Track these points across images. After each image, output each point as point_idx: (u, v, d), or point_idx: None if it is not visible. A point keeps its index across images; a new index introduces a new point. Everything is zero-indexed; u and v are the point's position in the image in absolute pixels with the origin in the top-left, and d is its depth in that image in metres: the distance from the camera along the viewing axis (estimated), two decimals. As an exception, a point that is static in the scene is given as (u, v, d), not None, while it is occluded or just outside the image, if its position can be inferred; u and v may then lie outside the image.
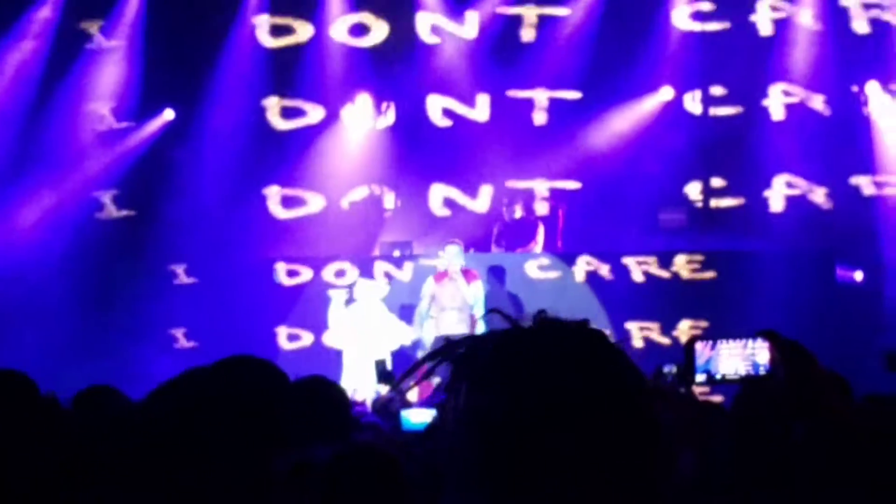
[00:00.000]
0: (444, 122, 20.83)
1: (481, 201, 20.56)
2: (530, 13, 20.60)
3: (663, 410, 2.41)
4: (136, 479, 3.12)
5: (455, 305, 17.48)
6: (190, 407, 3.22)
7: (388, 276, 18.99)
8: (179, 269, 19.77)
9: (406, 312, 18.13)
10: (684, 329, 18.09)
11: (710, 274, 18.41)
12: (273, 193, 20.87)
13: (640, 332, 18.25)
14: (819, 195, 19.56)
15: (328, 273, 19.19)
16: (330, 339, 18.21)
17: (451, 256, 17.61)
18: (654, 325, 18.31)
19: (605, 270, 18.62)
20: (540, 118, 20.61)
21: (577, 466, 2.25)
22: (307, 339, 19.10)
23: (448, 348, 2.41)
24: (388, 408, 11.51)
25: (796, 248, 18.61)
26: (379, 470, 4.74)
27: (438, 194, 20.92)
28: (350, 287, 18.18)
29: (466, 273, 17.62)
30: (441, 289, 17.54)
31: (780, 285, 17.50)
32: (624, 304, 18.24)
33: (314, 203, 20.83)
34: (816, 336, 14.79)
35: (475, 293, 17.53)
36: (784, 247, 18.58)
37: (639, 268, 18.61)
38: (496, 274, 18.54)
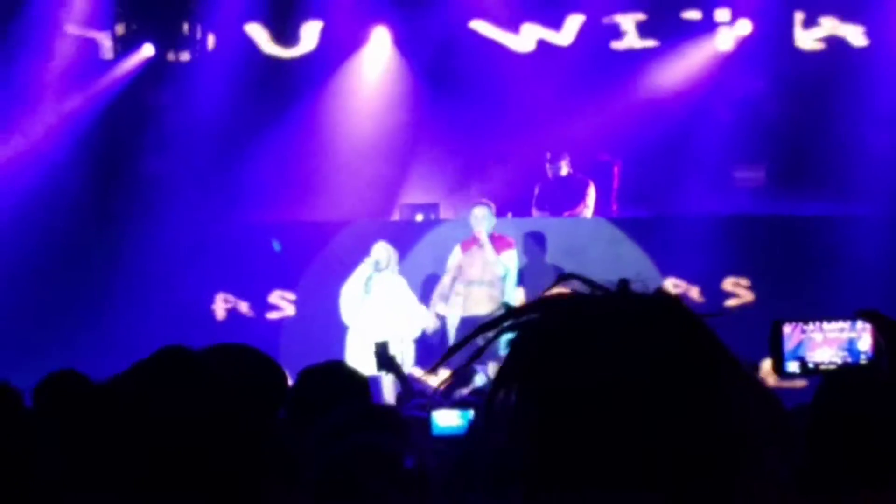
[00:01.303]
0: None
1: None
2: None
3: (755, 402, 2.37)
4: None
5: (485, 279, 17.49)
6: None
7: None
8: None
9: (428, 288, 18.20)
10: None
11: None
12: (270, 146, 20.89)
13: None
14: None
15: (340, 242, 19.17)
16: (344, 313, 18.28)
17: (479, 220, 17.60)
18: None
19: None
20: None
21: (655, 460, 2.22)
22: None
23: (497, 324, 2.36)
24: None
25: (888, 213, 18.58)
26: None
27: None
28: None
29: (499, 240, 17.63)
30: (469, 259, 17.54)
31: (880, 256, 17.47)
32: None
33: (321, 158, 20.83)
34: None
35: (508, 264, 17.56)
36: (880, 209, 18.53)
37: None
38: (537, 242, 18.47)
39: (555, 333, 2.30)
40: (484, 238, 17.46)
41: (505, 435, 2.31)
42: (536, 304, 2.36)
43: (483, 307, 16.85)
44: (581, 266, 17.41)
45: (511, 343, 2.34)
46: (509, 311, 2.36)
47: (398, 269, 18.17)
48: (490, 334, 2.39)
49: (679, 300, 2.36)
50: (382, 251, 18.01)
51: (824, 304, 16.37)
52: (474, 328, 2.43)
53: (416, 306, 18.04)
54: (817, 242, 18.26)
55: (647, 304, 2.33)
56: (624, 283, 2.37)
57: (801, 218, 18.88)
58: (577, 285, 2.41)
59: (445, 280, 17.76)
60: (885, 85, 19.60)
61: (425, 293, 18.36)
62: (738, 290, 18.21)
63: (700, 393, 2.25)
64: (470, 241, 17.67)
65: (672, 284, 18.01)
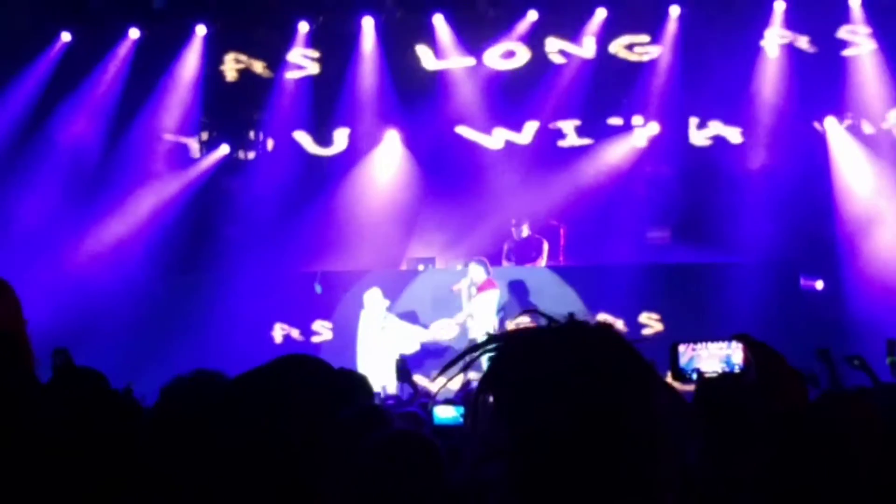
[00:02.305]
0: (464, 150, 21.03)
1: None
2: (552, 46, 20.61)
3: (672, 404, 2.43)
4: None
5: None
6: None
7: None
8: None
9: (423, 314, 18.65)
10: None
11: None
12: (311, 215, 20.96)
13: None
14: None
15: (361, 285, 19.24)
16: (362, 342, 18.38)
17: (472, 272, 17.96)
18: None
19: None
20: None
21: (602, 466, 2.24)
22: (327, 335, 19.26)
23: (486, 342, 2.39)
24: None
25: (765, 260, 18.61)
26: (419, 454, 4.67)
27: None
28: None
29: (487, 283, 17.87)
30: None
31: (754, 294, 17.52)
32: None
33: (349, 225, 20.91)
34: (784, 339, 14.96)
35: (487, 300, 17.77)
36: (755, 258, 18.59)
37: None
38: (512, 285, 18.57)
39: (522, 354, 2.32)
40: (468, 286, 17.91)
41: (486, 425, 2.32)
42: (508, 333, 2.39)
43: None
44: (539, 302, 17.59)
45: (490, 360, 2.37)
46: (490, 337, 2.38)
47: (389, 304, 18.39)
48: (475, 353, 2.41)
49: (612, 328, 2.38)
50: (371, 296, 18.28)
51: (713, 329, 16.44)
52: (466, 349, 2.45)
53: (410, 329, 18.21)
54: (708, 284, 18.28)
55: (590, 331, 2.35)
56: (571, 316, 2.40)
57: (697, 265, 18.96)
58: (533, 318, 2.43)
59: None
60: (754, 171, 19.76)
61: (423, 317, 18.59)
62: (650, 322, 18.22)
63: (638, 393, 2.28)
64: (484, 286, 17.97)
65: (601, 318, 18.02)
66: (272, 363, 3.48)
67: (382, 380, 16.47)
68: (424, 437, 4.79)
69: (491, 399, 2.32)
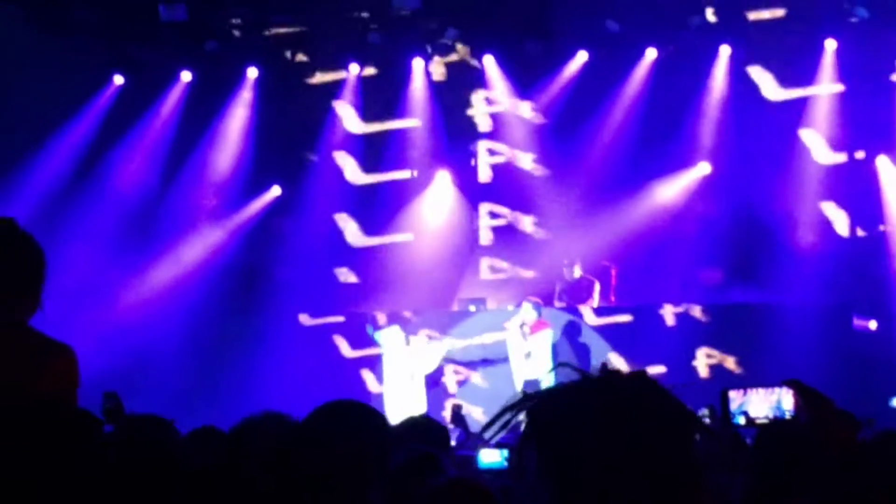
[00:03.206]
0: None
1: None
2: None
3: (712, 445, 2.44)
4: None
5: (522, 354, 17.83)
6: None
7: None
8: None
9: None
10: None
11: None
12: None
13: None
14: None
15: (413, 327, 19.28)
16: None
17: (524, 312, 17.97)
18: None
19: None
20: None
21: None
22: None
23: (522, 402, 2.41)
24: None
25: (818, 300, 18.58)
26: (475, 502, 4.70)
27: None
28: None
29: (540, 324, 17.88)
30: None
31: (806, 334, 17.48)
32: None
33: (401, 262, 20.99)
34: (837, 380, 14.91)
35: (543, 340, 17.81)
36: (808, 298, 18.56)
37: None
38: (566, 325, 18.63)
39: (559, 410, 2.35)
40: (522, 326, 18.01)
41: (532, 478, 2.34)
42: (545, 391, 2.41)
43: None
44: (589, 342, 17.57)
45: (528, 416, 2.40)
46: (526, 396, 2.40)
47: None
48: (515, 411, 2.42)
49: (646, 375, 2.40)
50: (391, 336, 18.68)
51: (766, 370, 16.46)
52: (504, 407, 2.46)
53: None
54: (760, 324, 18.25)
55: (625, 381, 2.37)
56: (604, 367, 2.41)
57: (749, 305, 18.92)
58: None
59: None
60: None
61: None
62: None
63: (676, 441, 2.30)
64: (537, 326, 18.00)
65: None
66: (323, 410, 3.54)
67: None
68: (480, 484, 4.79)
69: (532, 454, 2.35)
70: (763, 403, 4.75)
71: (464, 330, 18.99)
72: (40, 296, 4.52)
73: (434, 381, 18.80)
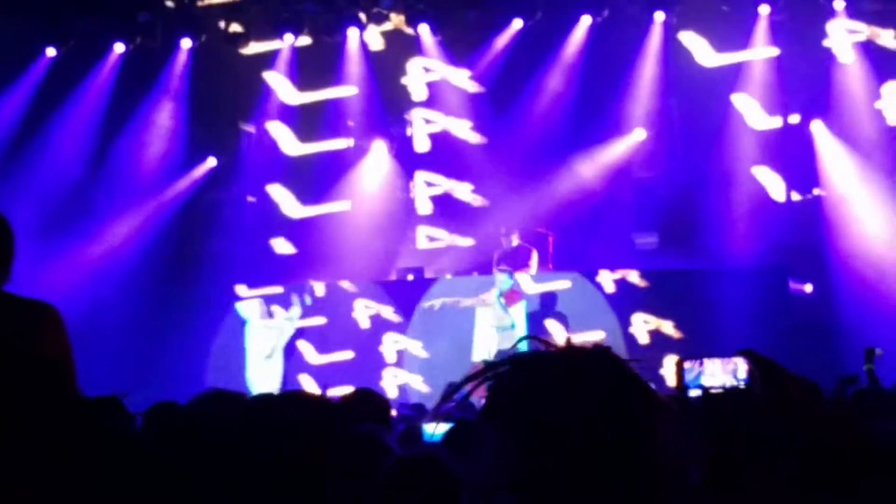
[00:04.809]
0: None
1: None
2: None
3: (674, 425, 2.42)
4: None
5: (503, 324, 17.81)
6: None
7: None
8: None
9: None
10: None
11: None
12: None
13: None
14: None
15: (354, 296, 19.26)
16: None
17: (500, 282, 17.89)
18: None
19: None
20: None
21: (605, 492, 2.27)
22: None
23: (482, 374, 2.40)
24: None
25: (754, 264, 18.68)
26: (436, 477, 4.64)
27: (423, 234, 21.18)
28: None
29: (514, 294, 17.89)
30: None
31: (743, 298, 17.56)
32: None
33: (337, 232, 20.90)
34: (774, 343, 15.01)
35: (517, 313, 17.83)
36: (744, 262, 18.66)
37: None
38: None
39: (522, 384, 2.33)
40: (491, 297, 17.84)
41: (490, 451, 2.33)
42: (506, 360, 2.39)
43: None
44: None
45: (490, 389, 2.39)
46: (488, 365, 2.39)
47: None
48: (476, 381, 2.41)
49: (610, 351, 2.40)
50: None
51: (706, 336, 16.57)
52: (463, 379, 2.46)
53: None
54: (698, 289, 18.32)
55: (589, 357, 2.36)
56: (568, 341, 2.42)
57: (686, 271, 19.01)
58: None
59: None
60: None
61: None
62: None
63: (639, 418, 2.30)
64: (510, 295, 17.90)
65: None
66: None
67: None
68: (439, 460, 4.73)
69: (493, 428, 2.34)
70: (719, 374, 4.70)
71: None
72: (10, 267, 4.75)
73: (289, 353, 18.97)
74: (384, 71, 20.91)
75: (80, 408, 4.48)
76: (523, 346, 2.61)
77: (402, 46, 20.87)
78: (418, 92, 21.05)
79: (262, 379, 18.32)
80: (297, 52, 20.85)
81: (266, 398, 3.90)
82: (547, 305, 18.44)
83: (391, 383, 18.59)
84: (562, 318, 18.26)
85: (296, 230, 20.94)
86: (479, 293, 18.07)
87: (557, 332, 17.80)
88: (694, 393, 4.68)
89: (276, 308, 18.96)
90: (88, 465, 3.58)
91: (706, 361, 4.71)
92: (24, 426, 3.19)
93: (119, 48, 20.52)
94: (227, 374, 17.91)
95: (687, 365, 4.75)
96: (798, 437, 4.41)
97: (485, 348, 17.78)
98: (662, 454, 2.32)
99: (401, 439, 7.05)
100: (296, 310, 18.98)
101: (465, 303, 18.10)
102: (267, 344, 18.66)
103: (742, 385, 4.71)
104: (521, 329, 17.79)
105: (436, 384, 17.56)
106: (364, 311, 19.02)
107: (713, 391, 4.71)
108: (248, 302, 18.98)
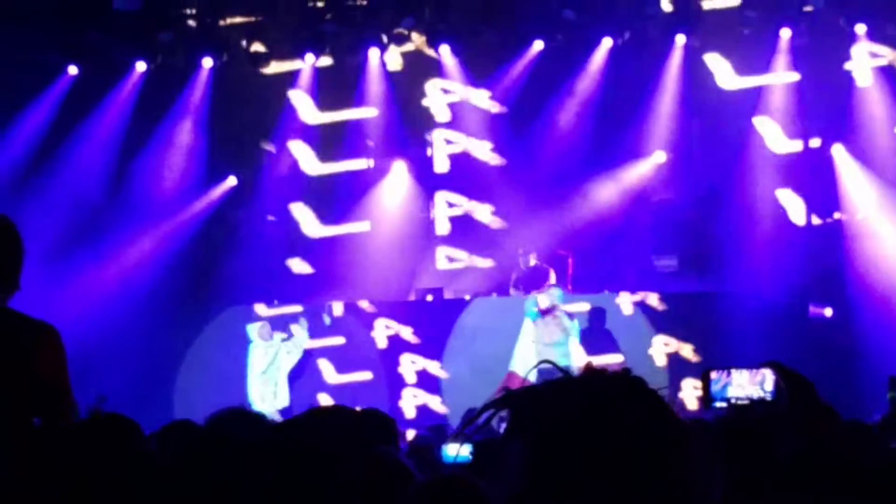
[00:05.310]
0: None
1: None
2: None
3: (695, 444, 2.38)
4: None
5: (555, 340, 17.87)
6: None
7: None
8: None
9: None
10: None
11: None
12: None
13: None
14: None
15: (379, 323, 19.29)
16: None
17: (554, 297, 17.99)
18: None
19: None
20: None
21: None
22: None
23: (506, 399, 2.34)
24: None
25: (774, 288, 18.63)
26: (468, 499, 4.58)
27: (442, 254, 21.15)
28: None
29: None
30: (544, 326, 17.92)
31: (763, 321, 17.53)
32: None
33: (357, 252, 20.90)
34: (794, 367, 14.93)
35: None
36: (764, 286, 18.61)
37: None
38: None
39: (543, 407, 2.28)
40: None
41: (513, 474, 2.25)
42: (529, 388, 2.33)
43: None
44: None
45: (511, 413, 2.32)
46: (510, 393, 2.34)
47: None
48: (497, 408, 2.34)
49: (631, 375, 2.34)
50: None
51: (724, 358, 16.48)
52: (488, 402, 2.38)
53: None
54: (717, 312, 18.29)
55: (610, 381, 2.31)
56: (590, 366, 2.39)
57: (706, 294, 18.97)
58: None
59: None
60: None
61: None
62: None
63: (663, 442, 2.24)
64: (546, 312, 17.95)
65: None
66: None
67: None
68: (469, 481, 4.64)
69: (516, 450, 2.28)
70: (745, 385, 4.66)
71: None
72: (18, 276, 4.87)
73: (298, 374, 19.02)
74: (404, 92, 20.92)
75: (82, 428, 4.49)
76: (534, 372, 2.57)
77: (423, 67, 20.89)
78: (439, 113, 21.03)
79: (257, 396, 18.50)
80: (318, 72, 20.88)
81: (292, 422, 3.83)
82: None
83: (410, 404, 18.57)
84: (580, 340, 18.23)
85: (316, 250, 20.93)
86: (516, 312, 18.15)
87: (580, 355, 17.80)
88: (719, 405, 4.65)
89: (276, 333, 18.96)
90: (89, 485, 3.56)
91: (734, 372, 4.69)
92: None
93: (141, 67, 20.54)
94: (228, 391, 17.89)
95: (714, 375, 4.73)
96: (820, 452, 4.40)
97: (524, 363, 17.81)
98: (692, 482, 2.26)
99: (412, 459, 6.98)
100: (302, 334, 18.94)
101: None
102: (262, 362, 18.70)
103: (768, 398, 4.68)
104: (576, 343, 17.91)
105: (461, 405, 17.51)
106: (383, 332, 19.04)
107: (740, 402, 4.68)
108: (254, 323, 18.97)
